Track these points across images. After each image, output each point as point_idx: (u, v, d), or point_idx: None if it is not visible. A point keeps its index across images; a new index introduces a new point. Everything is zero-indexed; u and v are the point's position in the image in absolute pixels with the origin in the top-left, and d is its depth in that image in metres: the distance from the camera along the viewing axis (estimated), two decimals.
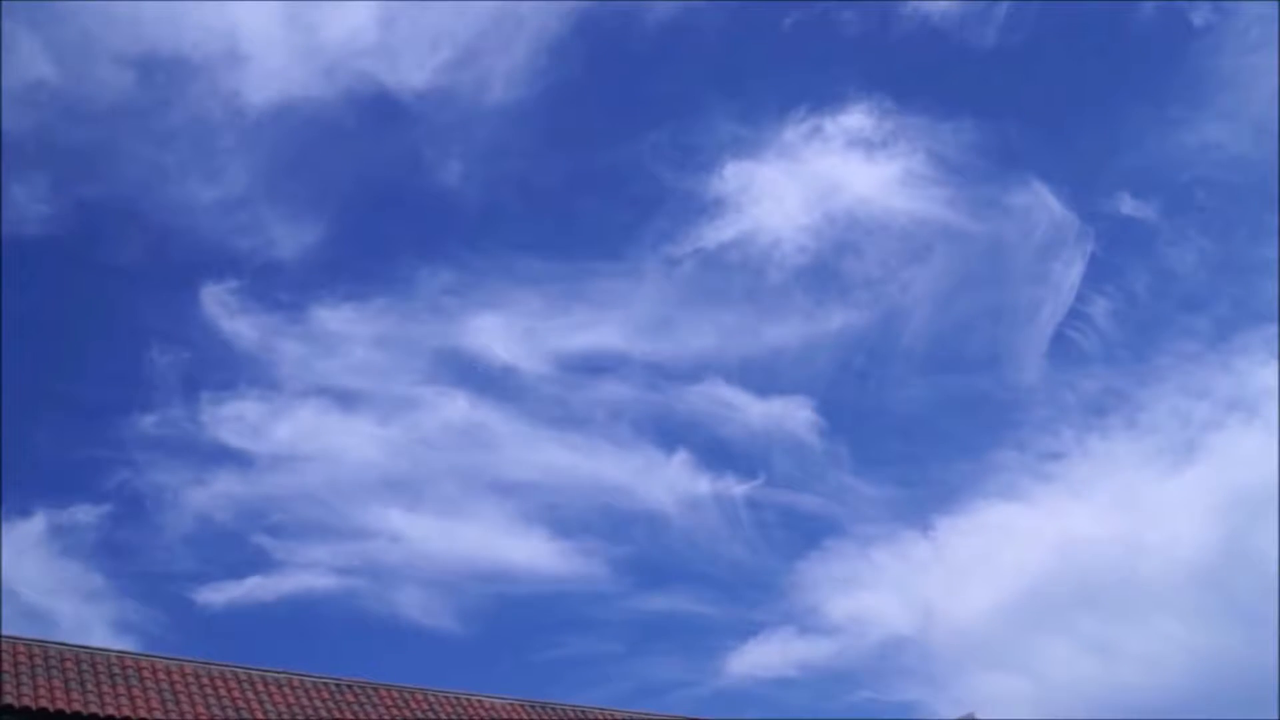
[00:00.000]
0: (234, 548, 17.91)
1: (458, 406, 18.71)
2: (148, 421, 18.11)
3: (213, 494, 17.92)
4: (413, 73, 19.24)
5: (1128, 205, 20.05)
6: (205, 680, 9.00)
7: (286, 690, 9.25)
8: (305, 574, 17.64)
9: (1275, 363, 18.85)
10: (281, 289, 19.04)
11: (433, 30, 19.47)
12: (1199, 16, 20.28)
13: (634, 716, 10.31)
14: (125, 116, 18.64)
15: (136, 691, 8.64)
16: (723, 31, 20.92)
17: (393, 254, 20.17)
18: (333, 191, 20.02)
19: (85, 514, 17.73)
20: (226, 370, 18.68)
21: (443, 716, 9.32)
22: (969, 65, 20.93)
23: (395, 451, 18.65)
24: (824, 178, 19.78)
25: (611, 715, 10.20)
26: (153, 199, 18.97)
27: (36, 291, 18.43)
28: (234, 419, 18.13)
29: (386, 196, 20.36)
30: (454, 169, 19.93)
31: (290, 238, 19.03)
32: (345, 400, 18.54)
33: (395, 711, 9.21)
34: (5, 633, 8.73)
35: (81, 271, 19.43)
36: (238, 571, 18.12)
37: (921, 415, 20.64)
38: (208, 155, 18.91)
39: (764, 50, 21.07)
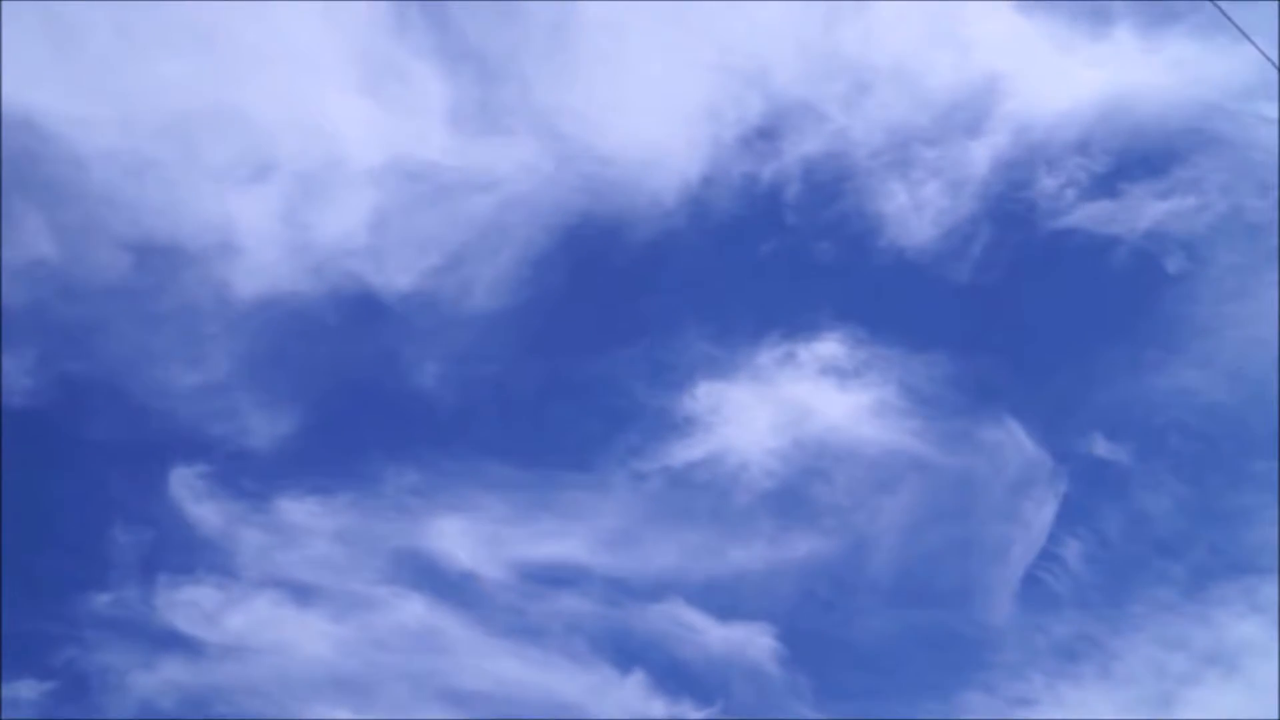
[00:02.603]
0: None
1: (414, 609, 18.70)
2: (102, 600, 18.10)
3: (160, 680, 17.77)
4: (399, 275, 19.71)
5: (1101, 447, 20.02)
6: None
7: None
8: None
9: (1254, 615, 18.94)
10: (250, 477, 19.22)
11: (422, 235, 19.98)
12: (1173, 263, 20.52)
13: None
14: (118, 298, 19.09)
15: None
16: (702, 254, 21.32)
17: (362, 450, 20.38)
18: (310, 385, 20.30)
19: (28, 689, 17.53)
20: (187, 554, 18.71)
21: None
22: (943, 299, 21.11)
23: (348, 650, 18.61)
24: (795, 403, 19.96)
25: None
26: (136, 379, 19.27)
27: (12, 462, 18.69)
28: (189, 604, 18.16)
29: (362, 393, 20.63)
30: (430, 371, 20.24)
31: (264, 427, 19.30)
32: (302, 594, 18.57)
33: None
34: None
35: (58, 445, 19.60)
36: None
37: (887, 649, 20.36)
38: (193, 341, 19.30)
39: (741, 275, 21.42)
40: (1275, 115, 18.46)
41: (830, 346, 20.07)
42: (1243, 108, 19.05)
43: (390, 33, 20.14)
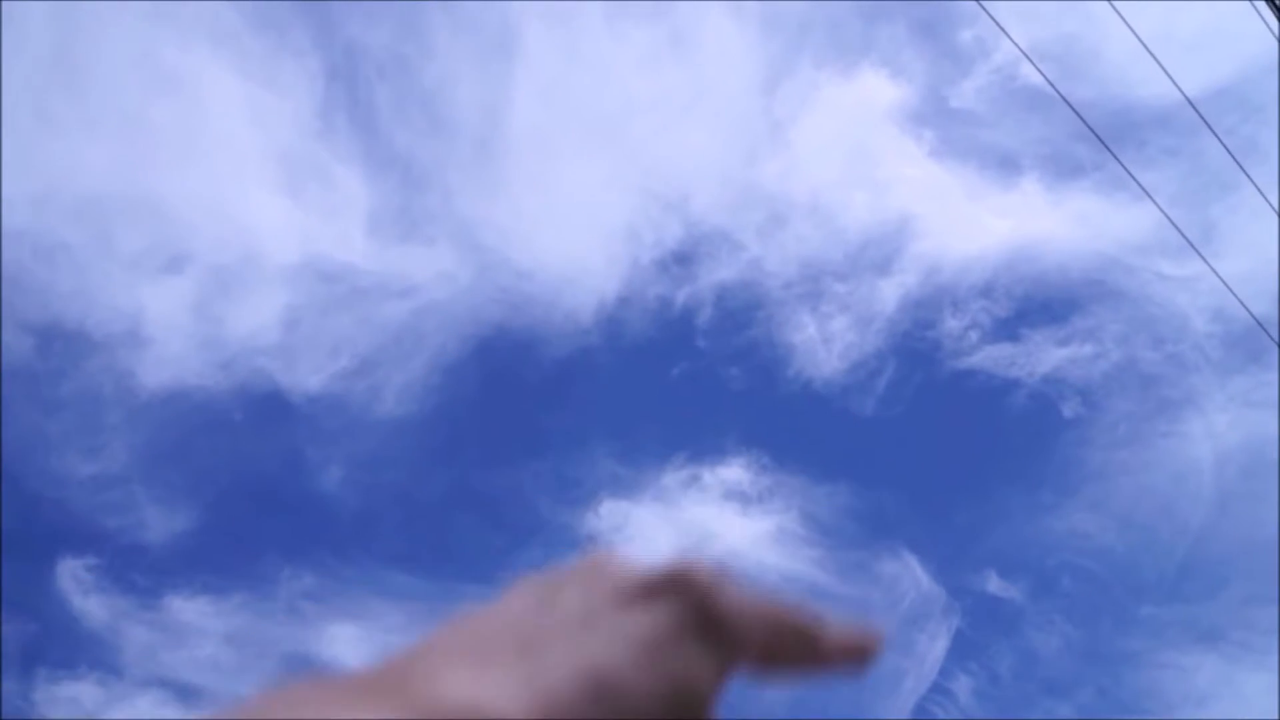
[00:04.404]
0: None
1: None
2: None
3: None
4: (308, 375, 19.58)
5: (995, 584, 20.34)
6: None
7: None
8: None
9: None
10: (140, 572, 18.75)
11: (335, 337, 19.93)
12: (1069, 408, 21.10)
13: None
14: (17, 380, 18.73)
15: None
16: (613, 373, 21.53)
17: (259, 551, 20.06)
18: (210, 481, 20.01)
19: None
20: (70, 649, 18.19)
21: None
22: (847, 431, 21.52)
23: None
24: (698, 526, 20.07)
25: None
26: (29, 466, 18.85)
27: None
28: (68, 701, 17.55)
29: (263, 493, 20.37)
30: (334, 474, 20.04)
31: (159, 522, 18.90)
32: (186, 695, 17.98)
33: None
34: None
35: None
36: None
37: None
38: (92, 430, 18.94)
39: (650, 396, 21.68)
40: (1171, 272, 19.24)
41: (735, 471, 20.23)
42: (1141, 263, 19.81)
43: (315, 134, 20.23)
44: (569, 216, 21.22)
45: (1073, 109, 11.70)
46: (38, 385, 18.86)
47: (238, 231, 20.10)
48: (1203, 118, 11.81)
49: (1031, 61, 12.21)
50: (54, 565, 18.28)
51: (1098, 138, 12.00)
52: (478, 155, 20.84)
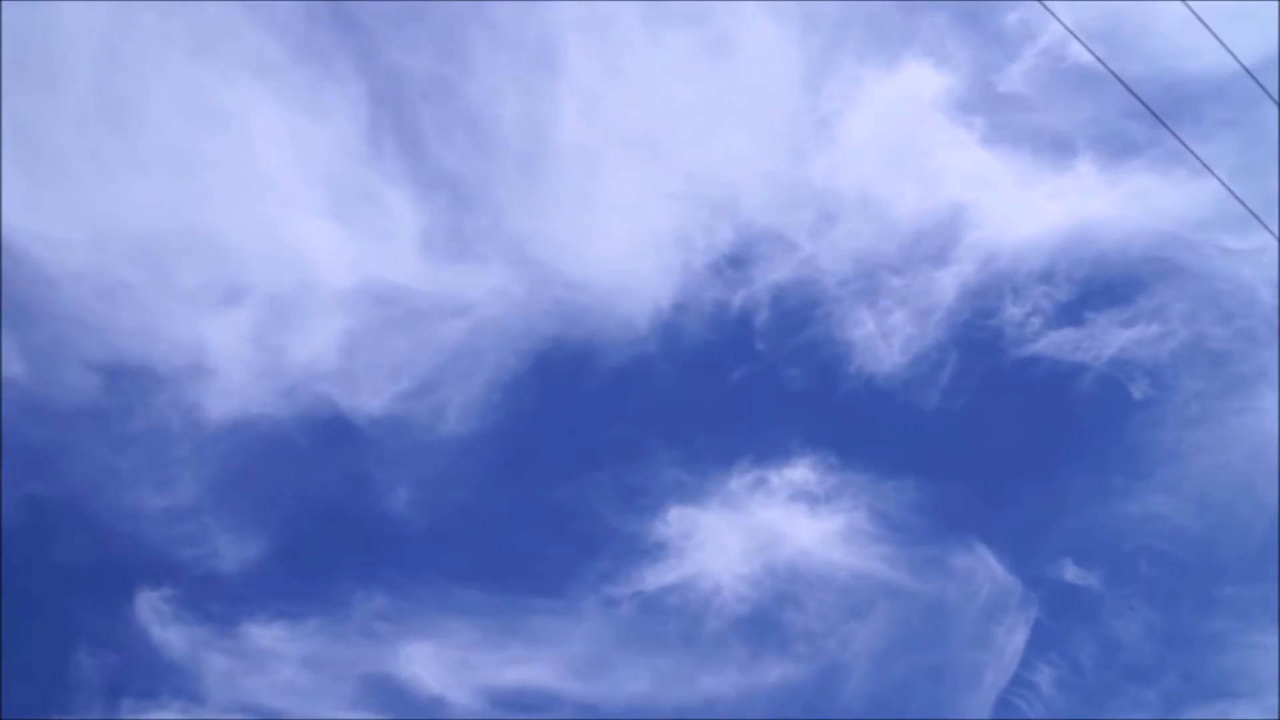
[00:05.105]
0: None
1: None
2: None
3: None
4: (370, 398, 19.70)
5: (1071, 573, 20.07)
6: None
7: None
8: None
9: None
10: (216, 601, 18.92)
11: (394, 360, 20.02)
12: (1138, 390, 20.80)
13: None
14: (86, 419, 18.94)
15: None
16: (672, 380, 21.43)
17: (331, 575, 20.14)
18: (279, 508, 20.10)
19: None
20: (152, 678, 18.38)
21: None
22: (912, 425, 21.26)
23: None
24: (766, 529, 19.96)
25: None
26: (103, 501, 19.03)
27: None
28: None
29: (331, 517, 20.45)
30: (400, 495, 20.11)
31: (232, 551, 19.06)
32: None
33: None
34: None
35: (21, 568, 19.29)
36: None
37: None
38: (161, 464, 19.12)
39: (712, 400, 21.54)
40: (1234, 245, 18.94)
41: (801, 472, 20.17)
42: (1202, 238, 19.52)
43: (363, 159, 20.37)
44: (619, 226, 21.18)
45: (1126, 86, 11.52)
46: (107, 423, 19.09)
47: (292, 260, 20.25)
48: (1261, 85, 11.60)
49: (1080, 40, 12.03)
50: (132, 598, 18.50)
51: (1153, 114, 11.81)
52: (524, 170, 20.87)
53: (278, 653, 18.54)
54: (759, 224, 20.88)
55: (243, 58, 19.82)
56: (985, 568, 19.79)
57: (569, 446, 21.58)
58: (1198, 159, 12.90)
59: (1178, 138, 12.31)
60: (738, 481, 20.30)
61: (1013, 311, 20.42)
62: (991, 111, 20.63)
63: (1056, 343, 20.34)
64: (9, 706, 17.98)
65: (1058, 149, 20.18)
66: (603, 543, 20.22)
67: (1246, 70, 11.15)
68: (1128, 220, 20.19)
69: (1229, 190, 12.79)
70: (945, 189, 20.69)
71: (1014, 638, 19.69)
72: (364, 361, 20.24)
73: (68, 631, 18.62)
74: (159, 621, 18.25)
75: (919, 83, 20.17)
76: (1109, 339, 20.24)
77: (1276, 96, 11.65)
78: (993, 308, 20.52)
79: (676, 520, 20.03)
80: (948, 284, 20.49)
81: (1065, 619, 20.46)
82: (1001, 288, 20.48)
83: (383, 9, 20.08)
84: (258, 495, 20.01)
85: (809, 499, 20.12)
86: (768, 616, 19.84)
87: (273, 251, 20.30)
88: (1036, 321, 20.35)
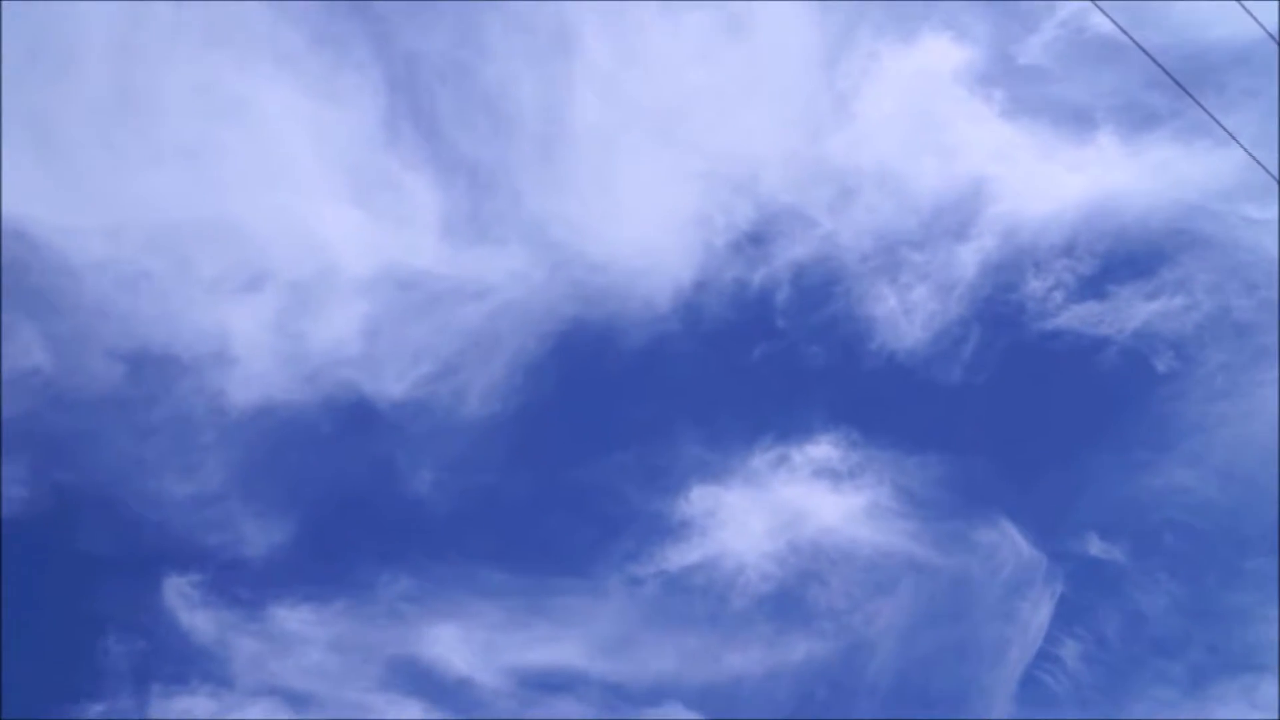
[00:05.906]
0: None
1: (411, 716, 18.53)
2: (95, 710, 17.82)
3: None
4: (392, 383, 19.74)
5: (1096, 546, 20.02)
6: None
7: None
8: None
9: (1254, 714, 18.77)
10: (243, 585, 19.02)
11: (415, 344, 20.05)
12: (1162, 363, 20.71)
13: None
14: (111, 408, 19.03)
15: None
16: (694, 359, 21.43)
17: (356, 558, 20.21)
18: (304, 493, 20.19)
19: None
20: (181, 663, 18.50)
21: None
22: (935, 401, 21.22)
23: None
24: (790, 506, 19.95)
25: None
26: (129, 488, 19.13)
27: (5, 572, 18.43)
28: (183, 714, 17.93)
29: (356, 501, 20.53)
30: (425, 478, 20.16)
31: (258, 536, 19.14)
32: (297, 702, 18.26)
33: None
34: None
35: (49, 555, 19.40)
36: None
37: None
38: (187, 451, 19.21)
39: (733, 379, 21.54)
40: (1259, 215, 18.82)
41: (823, 449, 20.14)
42: (1226, 208, 19.41)
43: (381, 144, 20.39)
44: (638, 206, 21.17)
45: (1148, 55, 11.44)
46: (131, 411, 19.18)
47: (313, 246, 20.30)
48: None
49: (1101, 9, 11.94)
50: (159, 584, 18.61)
51: (1177, 83, 11.72)
52: (543, 152, 20.87)
53: (305, 636, 18.65)
54: (779, 202, 20.84)
55: (259, 46, 19.85)
56: (1010, 542, 19.76)
57: (591, 427, 21.62)
58: (1222, 128, 12.81)
59: (1202, 106, 12.23)
60: (760, 459, 20.31)
61: (1035, 285, 20.35)
62: (1011, 84, 20.56)
63: (1079, 316, 20.27)
64: (39, 694, 18.15)
65: (1079, 121, 20.10)
66: (626, 522, 20.27)
67: (1272, 37, 11.07)
68: (1150, 192, 20.10)
69: (1254, 159, 12.70)
70: (965, 163, 20.63)
71: (1039, 612, 19.66)
72: (386, 346, 20.30)
73: (96, 618, 18.76)
74: (186, 607, 18.39)
75: (937, 56, 20.10)
76: (1132, 311, 20.16)
77: None
78: (1014, 282, 20.46)
79: (700, 499, 20.06)
80: (969, 259, 20.44)
81: (1090, 593, 20.41)
82: (1023, 261, 20.41)
83: None
84: (282, 480, 20.11)
85: (832, 476, 20.12)
86: (792, 594, 19.86)
87: (293, 238, 20.37)
88: (1059, 295, 20.29)
